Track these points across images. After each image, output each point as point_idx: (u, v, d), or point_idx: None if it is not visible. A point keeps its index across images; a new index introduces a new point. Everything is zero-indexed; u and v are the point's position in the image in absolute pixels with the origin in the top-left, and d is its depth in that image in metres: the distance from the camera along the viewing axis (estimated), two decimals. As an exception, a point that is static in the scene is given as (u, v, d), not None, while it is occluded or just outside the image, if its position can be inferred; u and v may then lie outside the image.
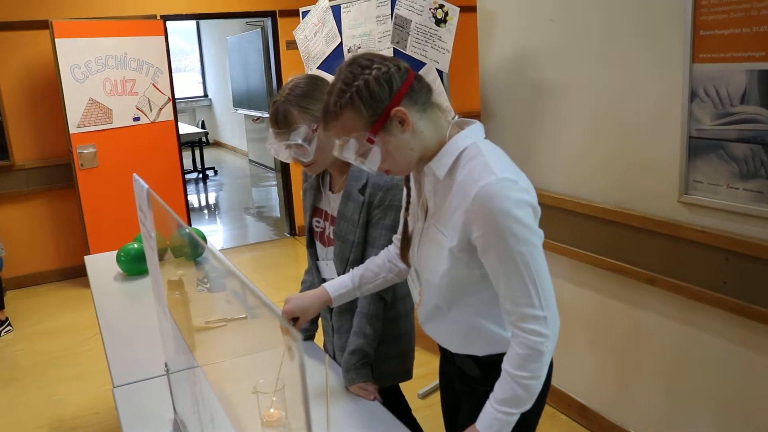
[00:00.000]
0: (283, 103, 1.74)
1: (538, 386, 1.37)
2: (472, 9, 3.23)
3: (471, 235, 1.34)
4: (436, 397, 3.32)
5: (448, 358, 1.66)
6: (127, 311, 2.55)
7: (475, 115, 3.41)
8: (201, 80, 13.17)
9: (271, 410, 1.63)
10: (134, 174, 1.53)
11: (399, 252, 1.65)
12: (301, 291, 2.18)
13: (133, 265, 2.87)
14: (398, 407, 2.05)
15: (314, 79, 1.82)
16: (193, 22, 12.35)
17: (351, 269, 1.86)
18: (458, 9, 3.02)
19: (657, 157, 2.38)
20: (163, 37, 5.44)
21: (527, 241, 1.31)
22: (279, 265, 5.77)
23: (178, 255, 2.75)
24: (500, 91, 3.16)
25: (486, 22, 3.17)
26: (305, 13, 4.04)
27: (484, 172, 1.32)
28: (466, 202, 1.33)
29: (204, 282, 2.71)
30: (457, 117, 1.46)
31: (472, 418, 1.49)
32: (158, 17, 5.55)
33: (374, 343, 1.87)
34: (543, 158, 2.89)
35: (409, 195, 1.58)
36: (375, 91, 1.32)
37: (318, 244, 2.03)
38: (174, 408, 1.73)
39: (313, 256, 2.06)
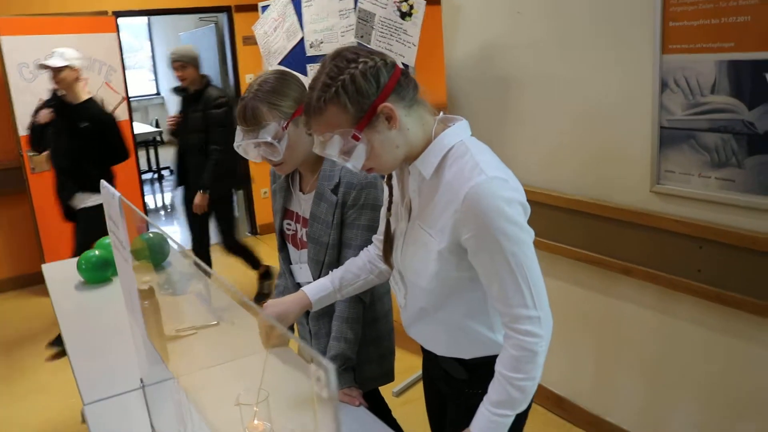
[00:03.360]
0: (252, 100, 1.67)
1: (533, 387, 1.35)
2: (437, 1, 3.20)
3: (461, 237, 1.30)
4: (412, 394, 3.31)
5: (432, 361, 1.62)
6: (92, 321, 2.44)
7: (441, 109, 3.39)
8: (153, 78, 12.87)
9: (255, 422, 1.57)
10: (102, 181, 1.45)
11: (381, 253, 1.60)
12: (275, 296, 2.12)
13: (95, 273, 2.76)
14: (379, 411, 2.01)
15: (283, 75, 1.75)
16: (143, 18, 12.05)
17: (327, 272, 1.82)
18: (424, 2, 2.98)
19: (628, 148, 2.39)
20: (116, 34, 5.27)
21: (519, 240, 1.28)
22: (241, 265, 5.66)
23: (141, 259, 2.65)
24: (466, 85, 3.13)
25: (451, 15, 3.14)
26: (264, 8, 3.95)
27: (473, 171, 1.28)
28: (455, 203, 1.29)
29: (166, 288, 2.63)
30: (441, 113, 1.42)
31: (460, 421, 1.46)
32: (110, 13, 5.38)
33: (355, 347, 1.82)
34: (511, 152, 2.88)
35: (391, 194, 1.53)
36: (362, 86, 1.27)
37: (290, 248, 1.97)
38: (151, 425, 1.65)
39: (286, 260, 1.99)
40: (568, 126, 2.62)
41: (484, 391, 1.38)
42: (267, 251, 5.96)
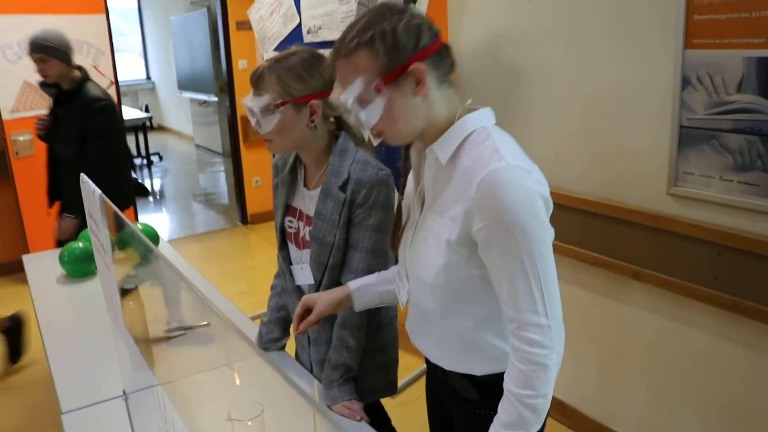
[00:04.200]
0: (267, 67, 1.60)
1: (545, 405, 1.21)
2: (442, -12, 3.06)
3: (472, 228, 1.18)
4: (409, 395, 3.19)
5: (438, 375, 1.48)
6: (74, 320, 2.31)
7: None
8: (143, 62, 12.65)
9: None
10: (82, 174, 1.31)
11: (390, 238, 1.46)
12: (271, 298, 2.00)
13: (79, 266, 2.63)
14: (379, 423, 1.89)
15: (314, 59, 1.64)
16: (133, 2, 11.82)
17: (330, 275, 1.69)
18: (429, -13, 2.84)
19: (644, 147, 2.27)
20: (105, 16, 5.09)
21: (537, 238, 1.14)
22: (232, 255, 5.53)
23: (126, 249, 2.51)
24: (472, 74, 3.00)
25: (457, 2, 3.00)
26: (260, -8, 3.80)
27: (492, 157, 1.16)
28: (470, 189, 1.17)
29: (153, 282, 2.49)
30: (470, 101, 1.30)
31: None
32: (98, -6, 5.19)
33: (358, 357, 1.70)
34: (524, 146, 2.75)
35: (405, 180, 1.42)
36: (400, 39, 1.18)
37: (291, 246, 1.83)
38: (134, 436, 1.53)
39: (286, 260, 1.85)
40: (578, 121, 2.50)
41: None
42: (257, 242, 5.83)
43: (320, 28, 3.36)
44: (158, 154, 10.10)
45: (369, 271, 1.65)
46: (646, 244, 2.30)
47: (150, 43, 12.41)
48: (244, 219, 6.28)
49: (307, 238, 1.73)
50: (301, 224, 1.78)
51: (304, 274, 1.79)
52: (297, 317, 1.56)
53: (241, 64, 5.86)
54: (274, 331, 1.95)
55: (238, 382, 1.62)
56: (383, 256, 1.67)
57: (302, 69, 1.60)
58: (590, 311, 2.63)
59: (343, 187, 1.64)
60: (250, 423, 1.45)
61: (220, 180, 8.61)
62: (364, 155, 1.67)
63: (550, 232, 1.18)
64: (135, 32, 12.52)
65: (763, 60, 1.88)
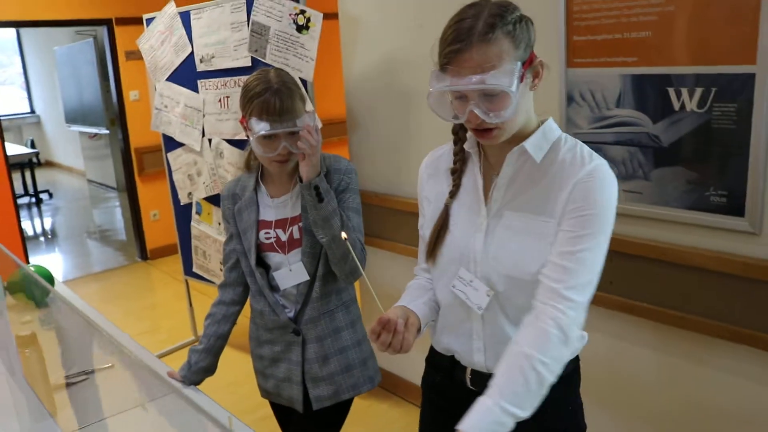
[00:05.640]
0: (287, 91, 1.74)
1: (548, 383, 1.16)
2: (334, 16, 3.11)
3: (566, 209, 1.22)
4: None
5: (465, 385, 1.41)
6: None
7: (341, 125, 3.30)
8: (26, 95, 12.04)
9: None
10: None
11: (430, 243, 1.41)
12: (210, 325, 1.98)
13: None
14: (339, 422, 2.04)
15: (284, 71, 1.84)
16: (11, 31, 11.25)
17: (324, 263, 1.85)
18: (321, 15, 2.88)
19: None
20: (-19, 49, 4.83)
21: (607, 235, 1.23)
22: (132, 293, 5.31)
23: (17, 294, 2.38)
24: (367, 99, 3.06)
25: (349, 28, 3.06)
26: (150, 21, 3.72)
27: (592, 156, 1.25)
28: (573, 180, 1.22)
29: (49, 325, 2.37)
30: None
31: None
32: (-28, 25, 4.93)
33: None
34: (413, 165, 2.80)
35: (458, 181, 1.38)
36: (530, 31, 1.21)
37: (274, 255, 1.90)
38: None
39: (264, 276, 1.92)
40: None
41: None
42: (159, 277, 5.64)
43: (213, 57, 3.33)
44: (47, 191, 9.61)
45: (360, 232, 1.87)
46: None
47: (32, 74, 11.83)
48: (144, 254, 6.06)
49: (294, 237, 1.86)
50: (279, 231, 1.88)
51: (293, 275, 1.88)
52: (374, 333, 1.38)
53: (132, 95, 5.68)
54: (205, 360, 1.96)
55: (150, 420, 1.56)
56: (360, 233, 1.88)
57: (297, 82, 1.82)
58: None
59: (324, 178, 1.80)
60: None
61: (115, 215, 8.29)
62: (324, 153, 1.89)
63: (614, 221, 1.26)
64: (15, 63, 11.92)
65: (637, 77, 2.02)
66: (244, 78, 3.23)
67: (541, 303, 1.21)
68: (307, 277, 1.88)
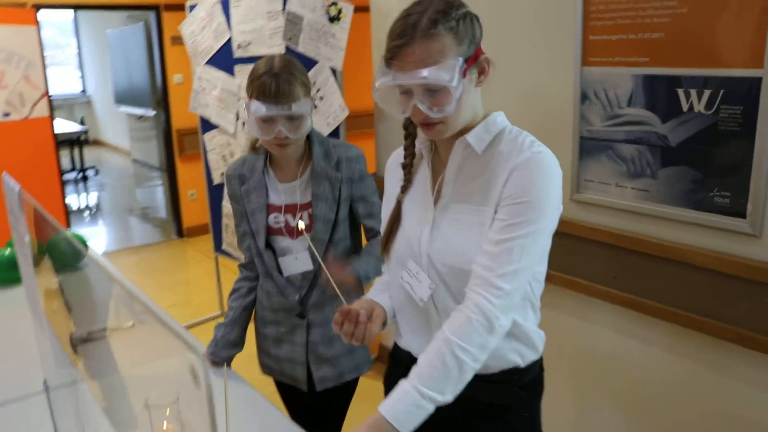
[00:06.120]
0: (286, 74, 1.74)
1: (469, 372, 1.17)
2: (364, 9, 3.20)
3: (502, 196, 1.22)
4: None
5: (460, 397, 1.33)
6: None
7: (369, 116, 3.40)
8: (79, 75, 12.44)
9: (165, 424, 1.52)
10: (3, 173, 1.38)
11: (384, 238, 1.44)
12: (235, 299, 2.04)
13: (5, 273, 2.64)
14: (345, 406, 2.09)
15: (292, 57, 1.85)
16: (69, 14, 11.64)
17: (333, 250, 1.89)
18: (352, 7, 2.98)
19: (550, 157, 2.44)
20: (36, 27, 5.06)
21: (545, 223, 1.23)
22: (168, 268, 5.53)
23: (57, 262, 2.54)
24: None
25: (380, 21, 3.15)
26: (192, 7, 3.87)
27: (533, 144, 1.25)
28: (510, 166, 1.22)
29: (80, 289, 2.52)
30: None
31: None
32: (29, 5, 5.17)
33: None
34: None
35: (408, 178, 1.41)
36: (474, 27, 1.23)
37: (282, 239, 1.93)
38: (55, 429, 1.58)
39: (272, 258, 1.94)
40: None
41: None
42: (192, 255, 5.84)
43: (250, 44, 3.46)
44: (94, 168, 9.94)
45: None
46: (552, 248, 2.46)
47: (86, 56, 12.22)
48: (180, 232, 6.27)
49: (301, 226, 1.84)
50: (288, 216, 1.91)
51: (299, 263, 1.91)
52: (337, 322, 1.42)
53: (176, 78, 5.89)
54: (232, 333, 2.00)
55: (157, 375, 1.68)
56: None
57: (301, 67, 1.82)
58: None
59: (336, 167, 1.87)
60: (168, 412, 1.53)
61: (157, 194, 8.55)
62: (333, 139, 1.96)
63: (553, 227, 1.28)
64: (71, 45, 12.32)
65: (649, 77, 2.07)
66: (277, 64, 3.36)
67: (469, 290, 1.22)
68: (311, 267, 1.91)
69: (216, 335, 2.01)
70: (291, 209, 1.91)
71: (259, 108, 1.73)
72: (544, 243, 1.26)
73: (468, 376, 1.18)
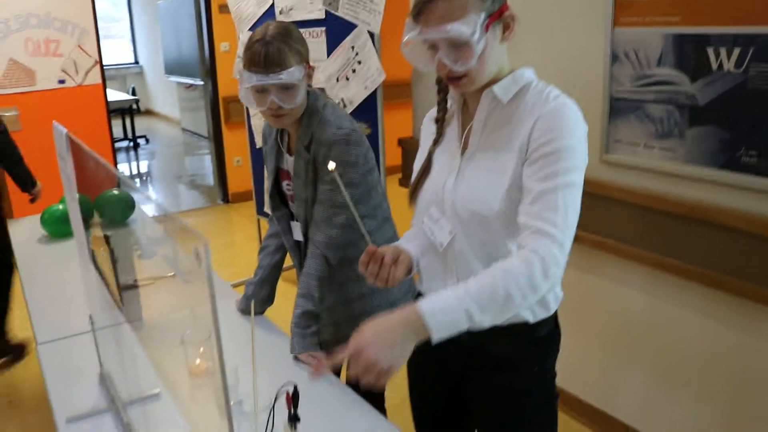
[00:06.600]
0: (277, 42, 1.67)
1: (510, 310, 1.16)
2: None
3: (530, 145, 1.24)
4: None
5: (467, 345, 1.36)
6: (52, 271, 2.49)
7: (406, 87, 3.44)
8: (131, 47, 12.75)
9: (198, 361, 1.63)
10: (53, 121, 1.49)
11: (412, 186, 1.48)
12: (264, 257, 2.09)
13: (58, 227, 2.80)
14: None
15: (290, 25, 1.77)
16: (122, -14, 11.91)
17: (307, 230, 1.87)
18: (390, -30, 3.03)
19: (580, 119, 2.46)
20: (89, -4, 5.24)
21: (579, 164, 1.23)
22: (213, 231, 5.72)
23: (106, 217, 2.69)
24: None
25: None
26: (237, -26, 3.96)
27: (559, 95, 1.27)
28: (535, 115, 1.24)
29: (135, 248, 2.67)
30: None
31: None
32: (83, -24, 5.33)
33: (319, 309, 1.83)
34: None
35: (441, 130, 1.47)
36: None
37: (292, 205, 1.97)
38: (100, 361, 1.71)
39: (283, 218, 2.00)
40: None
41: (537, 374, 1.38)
42: (237, 219, 6.01)
43: (291, 9, 3.53)
44: (145, 137, 10.23)
45: (328, 222, 1.80)
46: (582, 209, 2.49)
47: (138, 27, 12.50)
48: (226, 197, 6.45)
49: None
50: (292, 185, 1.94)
51: (297, 230, 1.96)
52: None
53: (222, 47, 6.02)
54: (261, 291, 2.05)
55: (193, 318, 1.80)
56: (342, 208, 1.79)
57: (297, 35, 1.73)
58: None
59: (307, 147, 1.79)
60: (202, 350, 1.64)
61: (205, 162, 8.76)
62: (330, 112, 1.80)
63: (584, 167, 1.27)
64: (124, 18, 12.61)
65: (679, 36, 2.07)
66: (317, 30, 3.43)
67: (523, 240, 1.21)
68: (301, 239, 1.92)
69: (247, 292, 2.07)
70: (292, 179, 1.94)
71: (250, 77, 1.68)
72: (580, 195, 1.25)
73: (510, 311, 1.17)
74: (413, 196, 1.48)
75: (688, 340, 2.29)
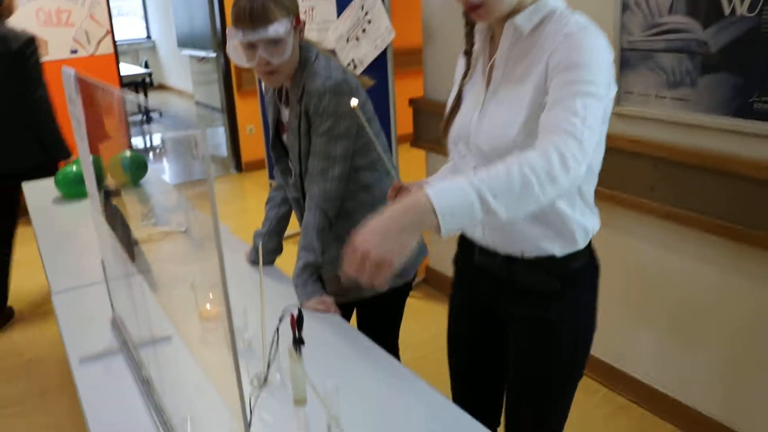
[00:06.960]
0: None
1: (527, 200, 1.04)
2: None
3: (550, 66, 1.20)
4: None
5: (498, 276, 1.43)
6: (65, 228, 2.52)
7: (417, 54, 3.42)
8: (144, 23, 12.74)
9: (208, 305, 1.65)
10: (63, 66, 1.50)
11: (444, 122, 1.47)
12: (271, 208, 2.10)
13: (72, 188, 2.83)
14: (386, 323, 2.07)
15: None
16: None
17: (301, 184, 1.86)
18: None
19: (591, 71, 2.43)
20: (99, -34, 5.24)
21: (603, 82, 1.16)
22: (227, 198, 5.78)
23: (114, 171, 2.72)
24: (442, 11, 3.15)
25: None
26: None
27: (581, 21, 1.22)
28: (559, 37, 1.21)
29: (149, 216, 2.70)
30: None
31: (531, 359, 1.44)
32: (93, -55, 5.33)
33: (320, 258, 1.83)
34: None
35: (470, 63, 1.46)
36: None
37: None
38: (112, 306, 1.74)
39: (285, 172, 2.00)
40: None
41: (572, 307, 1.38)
42: (251, 188, 6.04)
43: (300, -30, 3.51)
44: (158, 111, 10.26)
45: (323, 174, 1.79)
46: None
47: (150, 2, 12.49)
48: (239, 166, 6.48)
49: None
50: None
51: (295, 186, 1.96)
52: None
53: (233, 15, 6.01)
54: (270, 242, 2.05)
55: (202, 269, 1.82)
56: (336, 160, 1.78)
57: None
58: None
59: (299, 99, 1.78)
60: (212, 295, 1.66)
61: (219, 134, 8.79)
62: (322, 64, 1.76)
63: (613, 88, 1.23)
64: (136, -8, 12.60)
65: (691, -19, 2.04)
66: (326, -11, 3.40)
67: (541, 138, 1.14)
68: (297, 194, 1.93)
69: (255, 243, 2.08)
70: None
71: (237, 34, 1.66)
72: (602, 116, 1.18)
73: (529, 203, 1.05)
74: (445, 132, 1.48)
75: (702, 291, 2.28)
